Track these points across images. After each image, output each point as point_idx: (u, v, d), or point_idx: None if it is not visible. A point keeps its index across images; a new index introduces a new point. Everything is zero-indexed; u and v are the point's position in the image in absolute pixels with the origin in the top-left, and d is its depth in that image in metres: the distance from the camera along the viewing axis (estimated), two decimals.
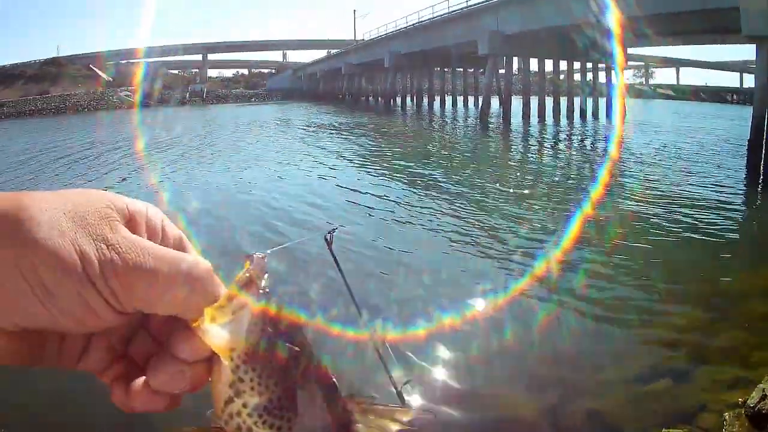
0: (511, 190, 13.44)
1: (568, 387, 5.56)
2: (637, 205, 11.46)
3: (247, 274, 0.51)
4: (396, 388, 3.50)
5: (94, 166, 17.69)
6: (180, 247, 0.56)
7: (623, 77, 31.96)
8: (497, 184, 13.99)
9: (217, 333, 0.48)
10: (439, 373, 5.52)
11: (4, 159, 20.76)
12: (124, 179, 15.21)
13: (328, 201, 12.61)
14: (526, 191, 13.53)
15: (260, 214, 11.23)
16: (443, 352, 5.82)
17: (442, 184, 14.48)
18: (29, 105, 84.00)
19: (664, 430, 4.66)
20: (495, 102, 36.19)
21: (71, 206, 0.48)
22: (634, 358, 6.17)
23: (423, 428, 0.63)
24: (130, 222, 0.51)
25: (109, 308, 0.47)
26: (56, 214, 0.46)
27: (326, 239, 3.60)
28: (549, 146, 25.04)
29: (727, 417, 4.75)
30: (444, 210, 11.52)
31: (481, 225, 10.34)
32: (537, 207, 11.90)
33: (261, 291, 0.51)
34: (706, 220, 10.36)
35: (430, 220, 10.80)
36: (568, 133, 29.23)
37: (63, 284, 0.45)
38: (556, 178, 16.12)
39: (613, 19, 22.73)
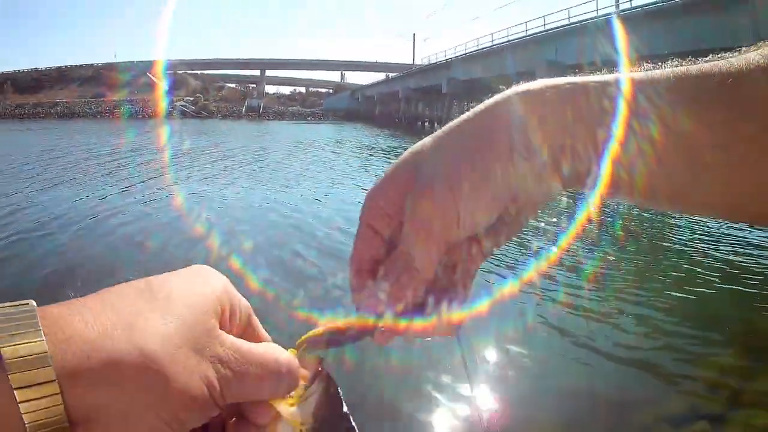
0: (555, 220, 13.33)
1: (603, 427, 5.56)
2: (674, 243, 11.27)
3: (316, 354, 0.62)
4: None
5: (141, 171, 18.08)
6: (249, 319, 0.60)
7: None
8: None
9: (293, 411, 0.58)
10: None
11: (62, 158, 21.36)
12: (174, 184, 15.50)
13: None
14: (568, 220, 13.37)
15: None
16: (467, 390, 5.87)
17: None
18: (84, 107, 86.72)
19: None
20: None
21: (185, 329, 0.49)
22: (670, 399, 6.11)
23: None
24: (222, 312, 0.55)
25: (217, 409, 0.51)
26: (179, 352, 0.48)
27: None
28: None
29: None
30: None
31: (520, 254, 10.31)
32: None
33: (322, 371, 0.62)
34: (747, 261, 10.12)
35: None
36: None
37: (194, 413, 0.49)
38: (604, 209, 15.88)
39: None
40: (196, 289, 0.53)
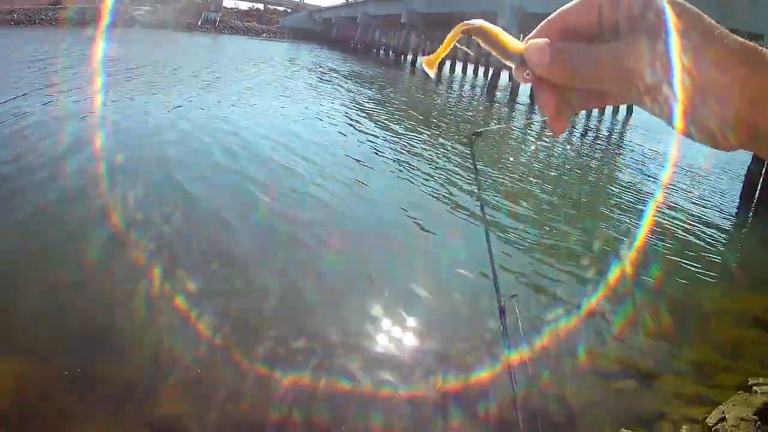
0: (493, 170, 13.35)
1: (534, 372, 5.66)
2: (623, 215, 11.37)
3: None
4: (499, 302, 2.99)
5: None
6: None
7: None
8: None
9: None
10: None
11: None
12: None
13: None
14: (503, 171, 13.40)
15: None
16: None
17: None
18: (41, 14, 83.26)
19: (622, 429, 4.78)
20: (505, 76, 35.58)
21: None
22: (604, 353, 6.26)
23: None
24: None
25: None
26: None
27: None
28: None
29: (684, 430, 4.88)
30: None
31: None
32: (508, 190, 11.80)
33: None
34: (695, 238, 10.31)
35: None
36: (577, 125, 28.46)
37: None
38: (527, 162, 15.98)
39: None
40: None
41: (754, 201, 13.59)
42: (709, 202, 13.49)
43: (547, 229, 9.56)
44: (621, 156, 19.18)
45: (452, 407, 5.04)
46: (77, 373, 4.69)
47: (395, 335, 5.85)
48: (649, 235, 10.00)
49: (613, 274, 7.98)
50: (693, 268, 8.92)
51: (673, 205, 12.43)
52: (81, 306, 5.68)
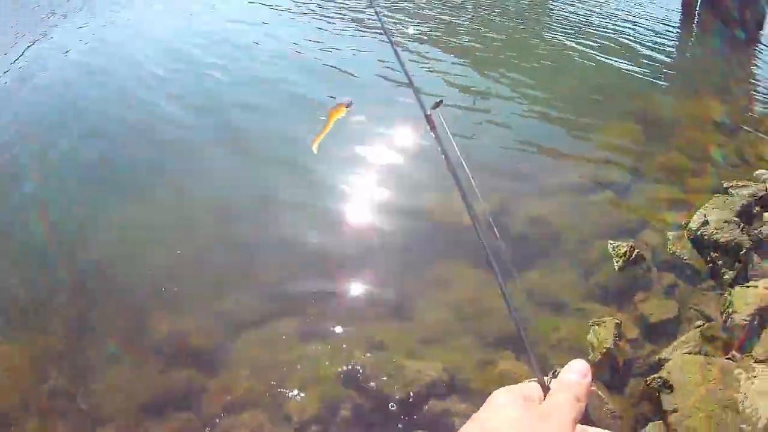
0: None
1: (508, 193, 5.55)
2: (569, 36, 10.85)
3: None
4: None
5: None
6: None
7: None
8: None
9: None
10: None
11: None
12: None
13: None
14: None
15: None
16: None
17: None
18: None
19: (610, 242, 4.81)
20: None
21: None
22: (573, 168, 6.20)
23: None
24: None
25: None
26: None
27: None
28: None
29: (670, 236, 4.97)
30: None
31: None
32: None
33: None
34: (642, 54, 9.97)
35: None
36: None
37: None
38: None
39: None
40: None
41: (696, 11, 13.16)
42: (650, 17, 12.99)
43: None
44: None
45: None
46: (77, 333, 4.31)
47: None
48: (596, 50, 9.75)
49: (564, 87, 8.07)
50: (647, 78, 8.79)
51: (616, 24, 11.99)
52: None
